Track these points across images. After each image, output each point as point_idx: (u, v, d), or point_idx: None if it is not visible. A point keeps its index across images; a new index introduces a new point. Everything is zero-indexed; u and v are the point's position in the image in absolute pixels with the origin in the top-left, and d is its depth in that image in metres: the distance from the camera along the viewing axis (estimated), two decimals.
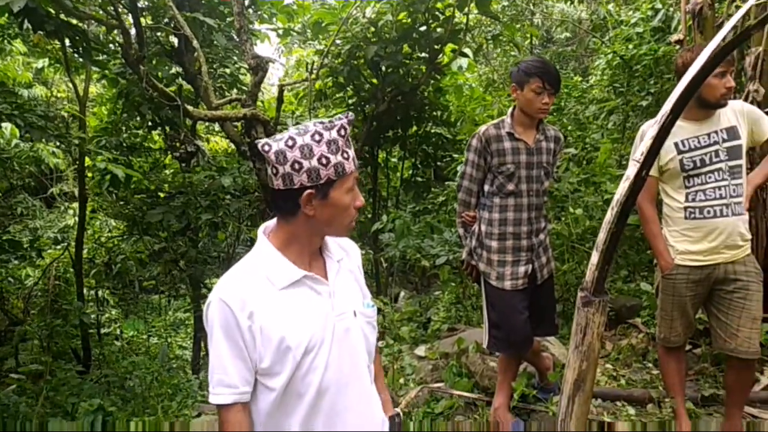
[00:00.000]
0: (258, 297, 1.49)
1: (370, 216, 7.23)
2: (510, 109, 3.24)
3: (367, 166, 6.91)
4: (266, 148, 1.47)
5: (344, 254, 1.70)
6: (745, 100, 3.93)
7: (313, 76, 5.82)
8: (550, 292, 3.33)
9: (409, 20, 6.45)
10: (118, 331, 8.57)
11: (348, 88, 6.73)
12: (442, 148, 7.62)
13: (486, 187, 3.17)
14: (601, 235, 1.87)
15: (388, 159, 7.50)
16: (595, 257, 1.88)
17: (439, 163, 7.90)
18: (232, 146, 6.47)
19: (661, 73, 6.37)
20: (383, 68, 6.49)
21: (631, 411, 3.78)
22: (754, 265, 2.88)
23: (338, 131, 1.48)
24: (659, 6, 6.79)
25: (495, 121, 3.22)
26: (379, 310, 5.70)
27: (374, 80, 6.68)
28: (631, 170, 1.81)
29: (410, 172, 7.79)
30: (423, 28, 6.45)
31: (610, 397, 3.96)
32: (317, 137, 1.46)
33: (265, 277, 1.53)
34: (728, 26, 1.89)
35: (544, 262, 3.22)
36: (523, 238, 3.13)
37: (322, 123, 1.50)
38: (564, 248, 5.03)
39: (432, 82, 6.95)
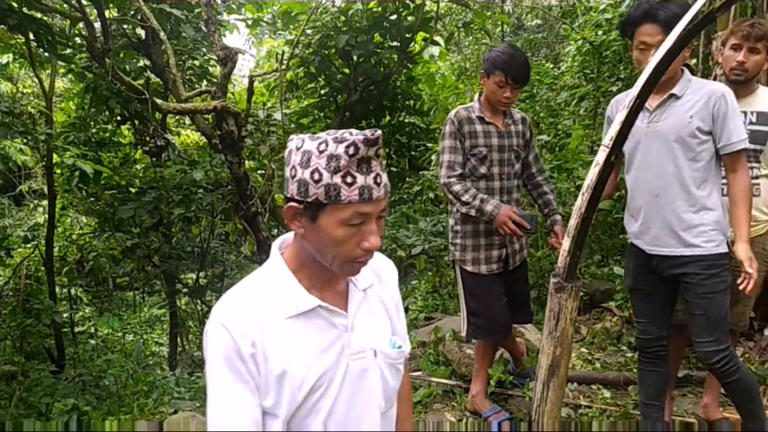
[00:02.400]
0: (261, 324, 1.29)
1: None
2: (477, 95, 3.25)
3: None
4: (290, 144, 1.29)
5: (375, 279, 1.46)
6: None
7: (284, 66, 5.76)
8: (524, 279, 3.36)
9: (380, 9, 6.42)
10: (92, 329, 8.45)
11: (319, 79, 6.69)
12: (416, 137, 7.61)
13: None
14: (572, 221, 1.88)
15: None
16: (566, 243, 1.89)
17: (413, 153, 7.90)
18: (204, 139, 6.39)
19: (630, 58, 6.42)
20: (355, 58, 6.46)
21: (607, 394, 3.84)
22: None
23: (346, 148, 1.21)
24: None
25: (464, 106, 3.22)
26: None
27: (346, 70, 6.64)
28: (601, 156, 1.82)
29: (384, 162, 7.78)
30: (394, 16, 6.42)
31: (585, 381, 4.02)
32: (322, 147, 1.23)
33: (272, 301, 1.31)
34: (694, 9, 1.89)
35: (517, 248, 3.25)
36: None
37: (335, 134, 1.26)
38: (538, 234, 5.07)
39: (404, 71, 6.94)
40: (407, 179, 6.99)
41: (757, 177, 3.10)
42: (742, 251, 2.59)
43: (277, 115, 6.11)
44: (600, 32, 7.04)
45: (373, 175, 1.25)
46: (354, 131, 1.26)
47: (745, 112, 3.04)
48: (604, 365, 4.26)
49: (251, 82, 5.44)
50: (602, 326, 4.75)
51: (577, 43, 7.53)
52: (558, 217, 3.36)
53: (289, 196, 1.26)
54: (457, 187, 3.07)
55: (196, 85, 6.38)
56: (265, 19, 6.57)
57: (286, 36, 7.47)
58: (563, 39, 10.48)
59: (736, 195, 2.69)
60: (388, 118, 7.13)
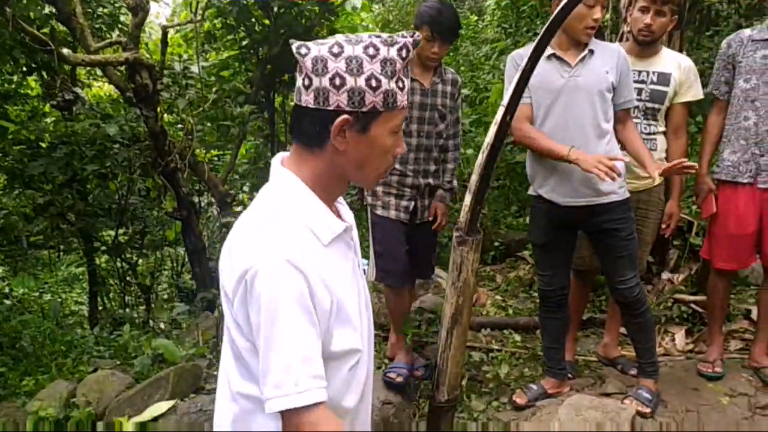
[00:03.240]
0: (316, 254, 1.19)
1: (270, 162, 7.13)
2: None
3: (264, 111, 6.76)
4: (303, 51, 1.18)
5: (352, 218, 1.42)
6: (620, 40, 4.14)
7: (199, 18, 5.57)
8: (430, 235, 3.46)
9: None
10: (6, 290, 8.15)
11: (239, 30, 6.50)
12: None
13: None
14: (473, 178, 1.97)
15: (285, 103, 7.37)
16: (468, 199, 1.98)
17: None
18: (118, 92, 6.15)
19: (546, 14, 6.55)
20: (275, 9, 6.30)
21: (518, 337, 4.07)
22: None
23: (399, 51, 1.18)
24: None
25: None
26: None
27: (266, 21, 6.48)
28: (499, 114, 1.91)
29: None
30: None
31: (498, 326, 4.25)
32: (371, 51, 1.16)
33: (308, 228, 1.21)
34: None
35: (427, 204, 3.35)
36: (408, 176, 3.22)
37: (379, 36, 1.20)
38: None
39: (326, 23, 6.82)
40: None
41: (654, 133, 3.32)
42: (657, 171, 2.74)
43: (195, 68, 5.93)
44: None
45: (409, 78, 1.24)
46: (383, 35, 1.21)
47: (647, 72, 3.23)
48: (516, 311, 4.50)
49: (165, 34, 5.25)
50: (516, 274, 4.99)
51: None
52: (444, 192, 3.40)
53: (331, 108, 1.17)
54: None
55: (107, 35, 6.09)
56: None
57: None
58: None
59: (638, 139, 2.94)
60: None
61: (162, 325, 5.32)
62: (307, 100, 1.18)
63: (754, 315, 3.96)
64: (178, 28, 5.92)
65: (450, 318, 2.06)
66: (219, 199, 6.13)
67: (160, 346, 3.70)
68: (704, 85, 3.42)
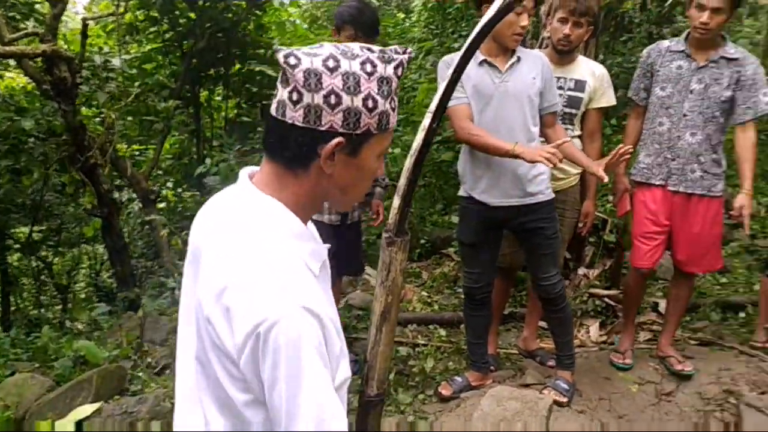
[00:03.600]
0: (320, 294, 1.09)
1: (195, 158, 7.01)
2: None
3: (189, 106, 6.64)
4: (292, 61, 1.06)
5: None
6: (540, 47, 4.32)
7: (122, 9, 5.42)
8: (357, 234, 3.61)
9: None
10: None
11: (162, 22, 6.36)
12: (267, 86, 7.51)
13: None
14: (402, 181, 2.05)
15: (211, 98, 7.26)
16: (396, 201, 2.06)
17: (264, 103, 7.78)
18: (33, 84, 5.89)
19: (472, 16, 6.73)
20: (200, 2, 6.20)
21: (443, 332, 4.20)
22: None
23: (395, 69, 1.10)
24: None
25: None
26: None
27: (191, 14, 6.36)
28: (426, 120, 1.99)
29: (235, 111, 7.62)
30: None
31: (424, 321, 4.36)
32: (369, 68, 1.08)
33: (303, 261, 1.11)
34: None
35: (356, 206, 3.44)
36: None
37: (372, 50, 1.10)
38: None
39: (253, 18, 6.77)
40: (259, 129, 6.92)
41: (571, 137, 3.50)
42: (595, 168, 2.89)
43: (116, 61, 5.76)
44: None
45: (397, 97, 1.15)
46: (375, 48, 1.12)
47: (565, 78, 3.41)
48: (441, 306, 4.64)
49: (85, 25, 5.07)
50: (441, 271, 5.12)
51: None
52: (381, 189, 3.56)
53: (324, 128, 1.07)
54: None
55: (22, 25, 5.82)
56: None
57: None
58: None
59: (567, 143, 3.04)
60: (237, 66, 6.96)
61: (80, 326, 5.15)
62: (295, 116, 1.07)
63: (661, 308, 4.24)
64: (98, 19, 5.71)
65: (379, 316, 2.13)
66: (142, 196, 5.99)
67: (82, 347, 3.61)
68: (618, 89, 3.63)
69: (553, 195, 3.14)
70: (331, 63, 1.06)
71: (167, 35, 6.53)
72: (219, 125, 7.54)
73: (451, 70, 1.96)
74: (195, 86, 6.75)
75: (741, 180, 3.26)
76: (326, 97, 1.05)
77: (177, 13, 6.31)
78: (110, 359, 3.61)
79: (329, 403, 1.03)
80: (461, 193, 3.23)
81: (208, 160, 5.12)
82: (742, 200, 3.18)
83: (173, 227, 5.71)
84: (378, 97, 1.08)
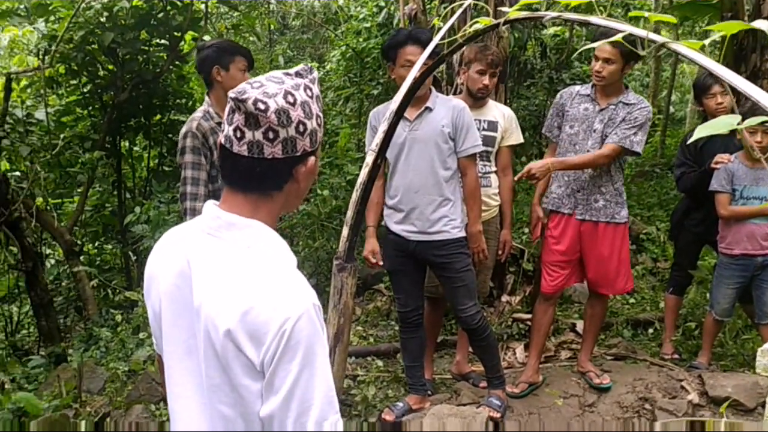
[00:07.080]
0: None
1: (116, 209, 6.94)
2: (207, 98, 3.25)
3: (110, 157, 6.61)
4: (261, 106, 1.18)
5: None
6: (455, 93, 4.68)
7: (47, 64, 5.43)
8: None
9: (147, 6, 6.31)
10: None
11: (82, 75, 6.37)
12: None
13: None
14: (349, 213, 2.27)
15: (132, 149, 7.25)
16: (345, 231, 2.28)
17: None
18: None
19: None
20: (121, 55, 6.27)
21: (380, 363, 4.38)
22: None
23: (318, 85, 1.31)
24: (382, 4, 7.56)
25: (199, 114, 3.16)
26: None
27: (111, 67, 6.41)
28: (369, 158, 2.23)
29: (156, 161, 7.62)
30: (161, 14, 6.36)
31: (362, 354, 4.53)
32: (309, 92, 1.25)
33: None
34: (436, 40, 2.37)
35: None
36: None
37: (290, 75, 1.27)
38: (315, 227, 5.48)
39: (174, 69, 6.88)
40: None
41: (488, 172, 3.86)
42: (474, 229, 3.41)
43: (38, 114, 5.72)
44: (361, 39, 7.69)
45: None
46: (291, 71, 1.28)
47: (480, 120, 3.77)
48: (377, 339, 4.83)
49: (9, 80, 5.05)
50: (374, 305, 5.33)
51: (341, 48, 8.12)
52: None
53: (299, 153, 1.23)
54: (186, 206, 3.08)
55: None
56: (19, 8, 6.05)
57: (36, 26, 6.93)
58: (326, 41, 11.10)
59: (467, 191, 3.43)
60: (159, 116, 7.01)
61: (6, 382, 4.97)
62: (274, 151, 1.20)
63: (579, 328, 4.60)
64: (17, 75, 5.66)
65: (333, 337, 2.31)
66: (66, 249, 5.88)
67: (21, 399, 3.55)
68: (524, 129, 4.03)
69: (461, 234, 3.37)
70: (290, 98, 1.21)
71: (86, 88, 6.53)
72: (140, 175, 7.52)
73: (388, 114, 2.23)
74: (116, 137, 6.74)
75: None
76: (297, 127, 1.21)
77: (97, 65, 6.34)
78: (51, 409, 3.57)
79: (332, 385, 1.21)
80: (383, 223, 3.52)
81: (137, 209, 5.15)
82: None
83: (101, 278, 5.64)
84: (320, 114, 1.28)
